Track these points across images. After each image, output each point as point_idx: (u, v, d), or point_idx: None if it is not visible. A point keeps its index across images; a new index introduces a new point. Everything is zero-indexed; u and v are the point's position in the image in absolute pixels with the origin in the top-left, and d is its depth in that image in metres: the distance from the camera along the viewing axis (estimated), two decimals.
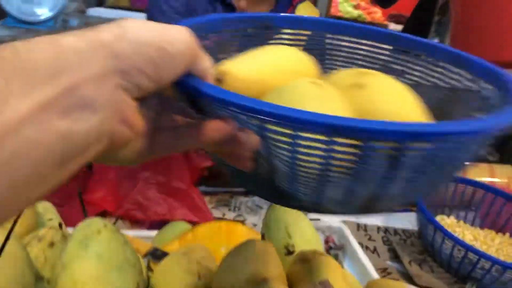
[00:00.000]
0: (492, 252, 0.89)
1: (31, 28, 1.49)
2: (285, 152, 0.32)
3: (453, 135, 0.30)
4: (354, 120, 0.28)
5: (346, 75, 0.46)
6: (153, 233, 0.77)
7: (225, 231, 0.65)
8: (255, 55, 0.44)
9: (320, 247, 0.67)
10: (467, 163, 0.37)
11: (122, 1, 2.66)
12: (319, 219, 0.89)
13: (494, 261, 0.79)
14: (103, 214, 0.90)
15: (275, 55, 0.46)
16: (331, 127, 0.28)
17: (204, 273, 0.54)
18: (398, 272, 0.85)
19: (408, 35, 0.52)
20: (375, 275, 0.76)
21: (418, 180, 0.35)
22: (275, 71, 0.43)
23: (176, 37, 0.28)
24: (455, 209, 1.05)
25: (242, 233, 0.65)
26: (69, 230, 0.65)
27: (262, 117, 0.29)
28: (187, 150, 1.02)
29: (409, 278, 0.83)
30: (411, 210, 1.05)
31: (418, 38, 0.51)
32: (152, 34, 0.27)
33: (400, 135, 0.29)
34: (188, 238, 0.63)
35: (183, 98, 0.34)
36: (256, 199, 1.03)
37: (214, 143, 0.31)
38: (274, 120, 0.29)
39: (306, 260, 0.55)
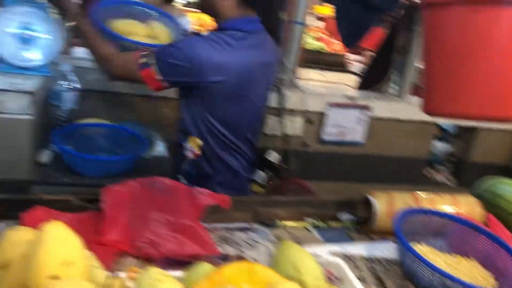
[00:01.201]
0: (461, 276, 1.04)
1: (23, 73, 1.56)
2: None
3: None
4: None
5: None
6: (177, 273, 0.84)
7: (248, 271, 0.74)
8: None
9: (324, 280, 0.79)
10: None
11: None
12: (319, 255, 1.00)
13: (467, 286, 0.93)
14: (119, 254, 0.98)
15: None
16: None
17: None
18: None
19: None
20: None
21: None
22: None
23: None
24: (427, 236, 1.19)
25: (262, 272, 0.75)
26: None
27: None
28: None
29: None
30: (390, 240, 1.18)
31: None
32: None
33: None
34: (216, 279, 0.72)
35: None
36: (254, 234, 1.14)
37: None
38: None
39: None
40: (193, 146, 1.52)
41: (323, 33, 6.21)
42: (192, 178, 1.53)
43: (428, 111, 1.14)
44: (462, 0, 1.00)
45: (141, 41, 1.58)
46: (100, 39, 1.47)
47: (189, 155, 1.54)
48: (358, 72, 4.76)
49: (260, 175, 1.88)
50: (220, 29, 1.44)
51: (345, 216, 1.35)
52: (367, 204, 1.33)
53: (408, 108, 2.37)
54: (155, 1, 2.12)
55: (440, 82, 1.09)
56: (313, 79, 3.65)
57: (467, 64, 1.02)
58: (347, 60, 5.71)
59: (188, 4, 7.20)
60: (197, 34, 1.42)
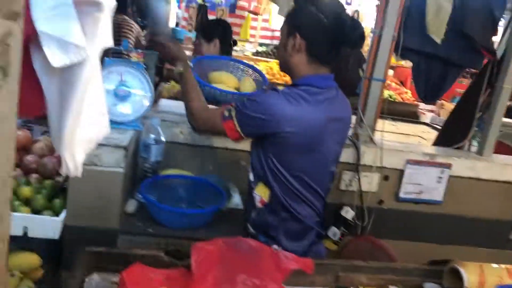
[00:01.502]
0: None
1: (117, 127, 1.68)
2: None
3: None
4: None
5: None
6: None
7: None
8: None
9: None
10: None
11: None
12: None
13: None
14: None
15: None
16: None
17: None
18: None
19: None
20: None
21: None
22: None
23: None
24: None
25: None
26: None
27: None
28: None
29: None
30: None
31: None
32: None
33: None
34: None
35: None
36: None
37: None
38: None
39: None
40: (261, 194, 1.55)
41: (391, 81, 6.16)
42: (259, 227, 1.57)
43: None
44: None
45: (228, 90, 1.70)
46: (197, 91, 1.61)
47: (258, 203, 1.56)
48: (432, 124, 4.64)
49: (334, 231, 1.86)
50: (295, 85, 1.51)
51: (431, 286, 1.29)
52: (455, 274, 1.27)
53: (491, 167, 2.27)
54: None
55: None
56: (386, 130, 3.61)
57: None
58: (420, 110, 5.59)
59: (257, 53, 7.46)
60: (274, 89, 1.50)
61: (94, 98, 0.78)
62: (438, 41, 2.08)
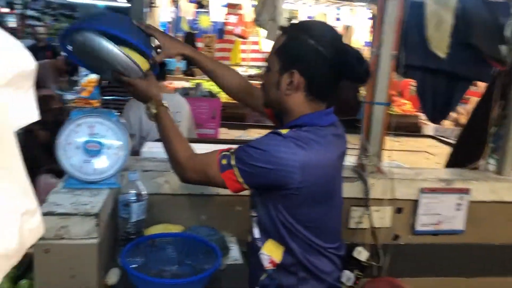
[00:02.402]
0: None
1: (90, 187, 1.47)
2: None
3: None
4: None
5: None
6: None
7: None
8: None
9: None
10: None
11: None
12: None
13: None
14: None
15: None
16: None
17: None
18: None
19: None
20: None
21: None
22: None
23: None
24: None
25: None
26: None
27: None
28: None
29: None
30: None
31: None
32: None
33: None
34: None
35: None
36: None
37: None
38: None
39: None
40: (270, 253, 1.32)
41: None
42: None
43: None
44: None
45: None
46: (179, 135, 1.38)
47: (267, 264, 1.33)
48: (437, 136, 4.43)
49: (347, 276, 1.63)
50: (297, 126, 1.28)
51: None
52: None
53: None
54: None
55: None
56: (391, 149, 3.40)
57: None
58: (421, 121, 5.39)
59: (251, 77, 7.28)
60: (276, 132, 1.27)
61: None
62: (442, 56, 1.88)
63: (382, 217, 1.94)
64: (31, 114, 0.61)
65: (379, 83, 1.88)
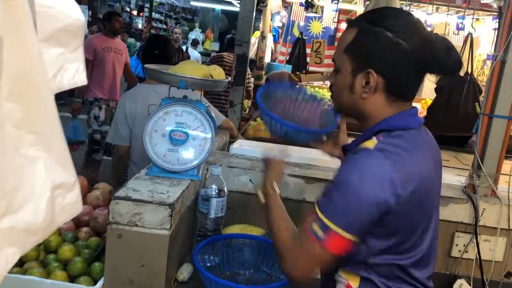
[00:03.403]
0: None
1: (172, 177, 1.43)
2: None
3: None
4: None
5: None
6: None
7: None
8: None
9: None
10: None
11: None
12: None
13: None
14: None
15: None
16: None
17: None
18: None
19: None
20: None
21: None
22: None
23: None
24: None
25: None
26: None
27: None
28: None
29: None
30: None
31: None
32: None
33: None
34: None
35: None
36: None
37: None
38: None
39: None
40: (347, 278, 1.14)
41: None
42: None
43: None
44: None
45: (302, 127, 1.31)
46: (285, 222, 1.19)
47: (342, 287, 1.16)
48: None
49: None
50: (380, 131, 1.07)
51: None
52: None
53: None
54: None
55: None
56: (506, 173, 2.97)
57: None
58: None
59: None
60: (361, 150, 1.08)
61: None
62: None
63: (492, 248, 1.67)
64: (77, 77, 0.55)
65: (502, 93, 1.62)
